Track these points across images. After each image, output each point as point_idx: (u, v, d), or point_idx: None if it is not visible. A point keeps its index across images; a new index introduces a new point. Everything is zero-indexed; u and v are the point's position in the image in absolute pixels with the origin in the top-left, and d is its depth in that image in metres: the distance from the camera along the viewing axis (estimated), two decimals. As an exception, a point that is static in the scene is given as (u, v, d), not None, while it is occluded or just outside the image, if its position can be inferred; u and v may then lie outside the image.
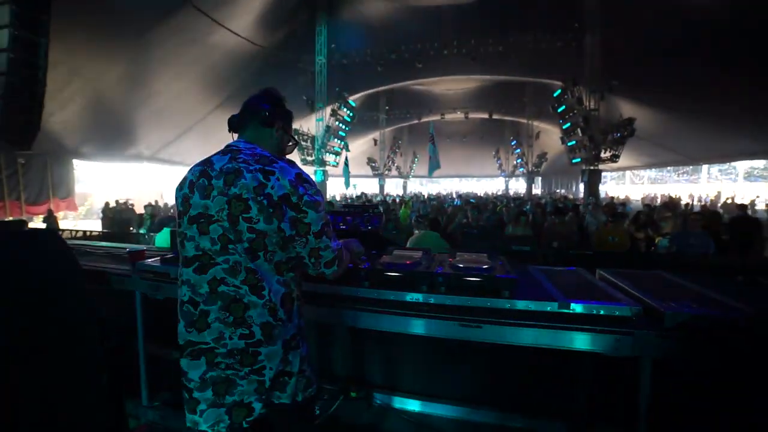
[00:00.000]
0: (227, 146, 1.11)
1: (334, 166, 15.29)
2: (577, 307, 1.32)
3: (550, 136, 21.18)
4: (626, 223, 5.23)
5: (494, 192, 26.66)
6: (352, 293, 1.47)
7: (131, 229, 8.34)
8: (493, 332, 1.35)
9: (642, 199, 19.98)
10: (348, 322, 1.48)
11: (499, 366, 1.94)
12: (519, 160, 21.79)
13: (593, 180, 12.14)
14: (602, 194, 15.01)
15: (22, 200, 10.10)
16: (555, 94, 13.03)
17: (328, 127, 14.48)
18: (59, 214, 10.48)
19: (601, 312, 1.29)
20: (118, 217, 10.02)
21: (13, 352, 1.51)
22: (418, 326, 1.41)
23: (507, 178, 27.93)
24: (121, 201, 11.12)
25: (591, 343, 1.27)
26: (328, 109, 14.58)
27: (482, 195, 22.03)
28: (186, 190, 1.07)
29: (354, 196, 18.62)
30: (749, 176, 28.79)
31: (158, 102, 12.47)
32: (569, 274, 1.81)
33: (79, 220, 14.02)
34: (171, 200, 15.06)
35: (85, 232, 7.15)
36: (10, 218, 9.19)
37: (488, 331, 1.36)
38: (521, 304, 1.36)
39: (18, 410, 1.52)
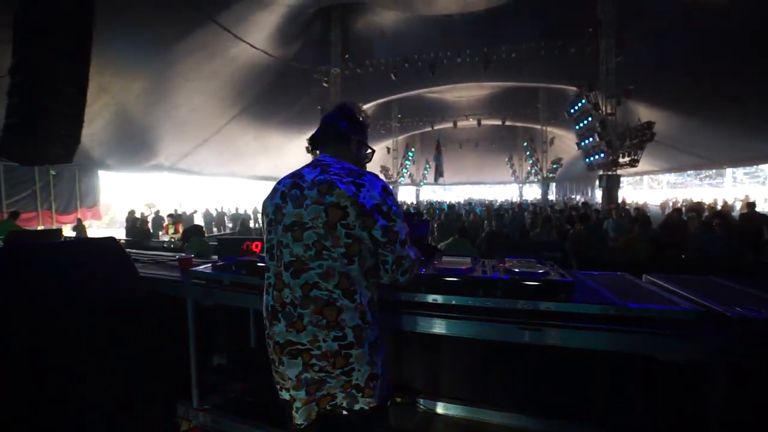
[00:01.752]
0: (315, 161, 1.21)
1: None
2: (636, 310, 1.32)
3: (565, 142, 21.00)
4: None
5: (510, 198, 26.42)
6: (409, 298, 1.50)
7: (159, 237, 8.55)
8: (551, 335, 1.36)
9: (661, 204, 19.50)
10: (404, 326, 1.50)
11: (546, 372, 1.94)
12: (533, 167, 21.61)
13: (611, 185, 11.96)
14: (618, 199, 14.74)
15: (53, 210, 10.54)
16: (570, 100, 12.99)
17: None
18: (86, 223, 10.84)
19: (664, 315, 1.29)
20: (140, 227, 10.31)
21: (82, 351, 1.59)
22: (475, 330, 1.42)
23: (521, 185, 27.69)
24: (146, 211, 11.46)
25: (655, 347, 1.27)
26: (342, 119, 14.73)
27: (500, 202, 21.93)
28: (278, 200, 1.16)
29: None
30: (778, 179, 27.52)
31: (178, 115, 12.87)
32: (617, 279, 1.81)
33: (103, 228, 14.42)
34: (189, 209, 15.43)
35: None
36: (42, 227, 9.55)
37: (547, 334, 1.36)
38: (579, 307, 1.37)
39: (83, 407, 1.58)
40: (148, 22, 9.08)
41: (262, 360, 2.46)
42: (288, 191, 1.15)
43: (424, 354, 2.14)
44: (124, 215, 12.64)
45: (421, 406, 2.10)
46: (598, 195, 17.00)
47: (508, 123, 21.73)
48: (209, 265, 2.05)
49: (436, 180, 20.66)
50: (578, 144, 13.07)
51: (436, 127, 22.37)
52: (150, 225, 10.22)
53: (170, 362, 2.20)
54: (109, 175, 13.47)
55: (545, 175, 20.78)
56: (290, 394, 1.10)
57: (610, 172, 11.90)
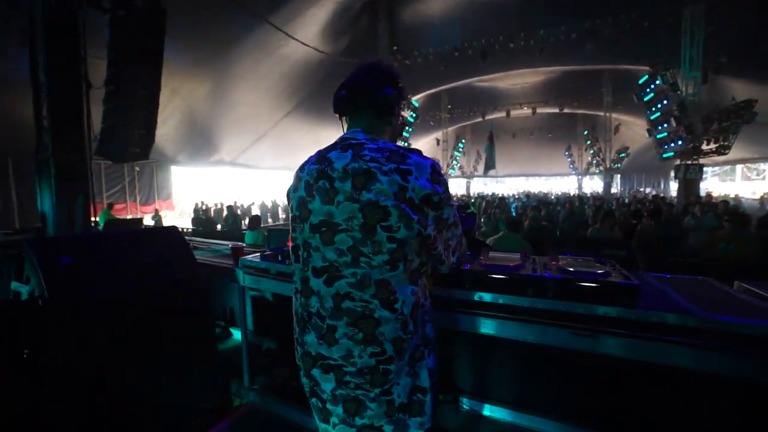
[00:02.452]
0: (344, 140, 0.98)
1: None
2: (728, 325, 1.12)
3: (633, 129, 18.98)
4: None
5: (568, 191, 24.59)
6: (452, 295, 1.44)
7: (217, 227, 9.33)
8: (611, 344, 1.22)
9: (761, 197, 16.68)
10: (446, 324, 1.45)
11: (605, 383, 1.76)
12: (595, 158, 19.80)
13: (692, 177, 10.56)
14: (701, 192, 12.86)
15: (138, 201, 12.12)
16: (641, 81, 11.60)
17: (390, 128, 14.69)
18: (161, 213, 12.21)
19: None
20: (204, 217, 11.35)
21: (149, 325, 1.76)
22: (522, 332, 1.33)
23: (580, 177, 25.63)
24: (211, 204, 12.72)
25: (759, 372, 1.07)
26: (391, 111, 14.78)
27: (555, 194, 20.51)
28: (302, 192, 0.97)
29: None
30: None
31: (237, 112, 13.81)
32: (697, 284, 1.57)
33: (175, 218, 16.06)
34: (247, 201, 16.55)
35: (184, 229, 8.21)
36: (130, 216, 10.99)
37: (605, 343, 1.22)
38: (647, 315, 1.20)
39: (150, 380, 1.76)
40: (210, 28, 9.80)
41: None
42: (314, 182, 0.94)
43: (469, 353, 2.06)
44: (191, 206, 13.98)
45: (465, 406, 2.03)
46: (674, 188, 15.14)
47: (566, 110, 20.17)
48: (258, 254, 2.15)
49: (485, 172, 19.82)
50: (649, 131, 11.68)
51: (487, 117, 21.47)
52: (213, 215, 11.16)
53: (226, 342, 2.37)
54: (179, 170, 14.93)
55: (609, 166, 18.93)
56: (327, 407, 0.99)
57: (689, 162, 10.50)
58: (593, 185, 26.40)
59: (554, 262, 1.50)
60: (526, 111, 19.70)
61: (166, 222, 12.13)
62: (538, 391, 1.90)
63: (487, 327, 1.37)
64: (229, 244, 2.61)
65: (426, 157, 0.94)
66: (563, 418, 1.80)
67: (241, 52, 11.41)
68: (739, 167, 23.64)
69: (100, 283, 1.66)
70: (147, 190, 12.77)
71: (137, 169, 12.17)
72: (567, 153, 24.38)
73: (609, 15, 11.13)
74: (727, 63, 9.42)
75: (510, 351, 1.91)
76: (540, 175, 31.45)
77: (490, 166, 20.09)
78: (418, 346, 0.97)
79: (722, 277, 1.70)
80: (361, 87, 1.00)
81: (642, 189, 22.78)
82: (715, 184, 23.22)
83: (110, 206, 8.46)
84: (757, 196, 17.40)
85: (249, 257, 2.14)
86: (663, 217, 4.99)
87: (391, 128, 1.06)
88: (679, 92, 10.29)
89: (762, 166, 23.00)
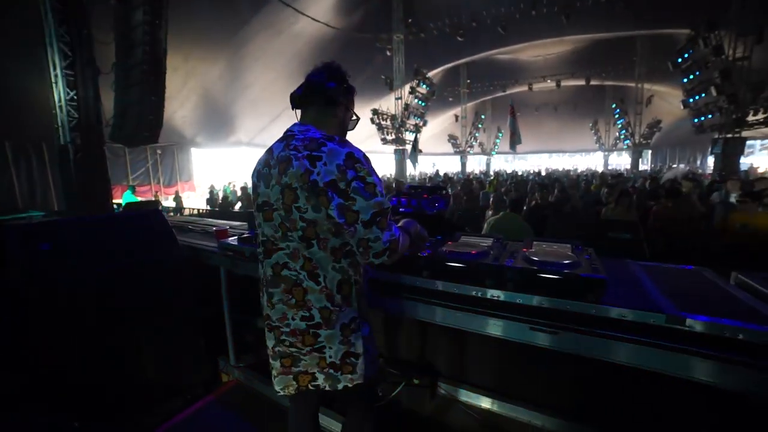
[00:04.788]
0: (285, 132, 1.11)
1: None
2: (696, 324, 1.02)
3: (668, 101, 17.59)
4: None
5: (593, 168, 23.34)
6: (411, 282, 1.39)
7: (236, 208, 9.55)
8: (571, 341, 1.14)
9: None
10: (405, 311, 1.41)
11: (583, 378, 1.69)
12: (623, 132, 18.54)
13: (731, 151, 9.71)
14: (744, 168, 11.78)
15: (161, 183, 12.56)
16: (679, 46, 10.59)
17: (406, 105, 14.26)
18: (183, 195, 12.62)
19: (739, 336, 0.97)
20: (218, 198, 11.63)
21: (126, 310, 1.81)
22: (480, 324, 1.27)
23: (606, 153, 24.25)
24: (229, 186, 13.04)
25: (722, 377, 0.97)
26: (407, 87, 14.33)
27: (579, 171, 19.51)
28: (254, 179, 1.13)
29: (431, 175, 18.00)
30: None
31: (252, 93, 13.81)
32: (686, 276, 1.44)
33: (197, 198, 16.60)
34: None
35: (199, 210, 8.47)
36: (153, 198, 11.43)
37: (566, 339, 1.15)
38: (611, 312, 1.11)
39: (132, 362, 1.83)
40: (220, 9, 9.68)
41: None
42: (261, 169, 1.10)
43: (444, 338, 2.03)
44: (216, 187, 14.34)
45: (442, 391, 2.02)
46: (712, 163, 14.08)
47: (593, 83, 18.86)
48: (236, 237, 2.16)
49: (512, 147, 18.64)
50: (685, 101, 10.77)
51: (508, 92, 20.43)
52: (228, 197, 11.40)
53: (214, 322, 2.44)
54: (200, 152, 15.27)
55: (638, 141, 17.72)
56: (270, 361, 1.15)
57: (730, 135, 9.63)
58: (621, 161, 24.99)
59: (525, 249, 1.41)
60: (550, 84, 18.59)
61: (188, 203, 12.55)
62: (514, 379, 1.86)
63: (443, 318, 1.33)
64: (214, 226, 2.65)
65: (346, 146, 0.99)
66: (536, 407, 1.76)
67: (252, 31, 11.27)
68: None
69: (79, 267, 1.72)
70: (169, 172, 13.20)
71: (159, 152, 12.53)
72: (593, 128, 23.03)
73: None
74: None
75: (483, 339, 1.87)
76: (564, 152, 30.07)
77: (516, 141, 18.94)
78: (353, 319, 1.08)
79: (741, 265, 1.53)
80: (311, 84, 1.12)
81: (675, 165, 21.35)
82: (763, 159, 21.35)
83: (132, 189, 8.83)
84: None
85: (229, 240, 2.15)
86: (683, 197, 4.62)
87: (338, 120, 1.15)
88: (723, 57, 9.30)
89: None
